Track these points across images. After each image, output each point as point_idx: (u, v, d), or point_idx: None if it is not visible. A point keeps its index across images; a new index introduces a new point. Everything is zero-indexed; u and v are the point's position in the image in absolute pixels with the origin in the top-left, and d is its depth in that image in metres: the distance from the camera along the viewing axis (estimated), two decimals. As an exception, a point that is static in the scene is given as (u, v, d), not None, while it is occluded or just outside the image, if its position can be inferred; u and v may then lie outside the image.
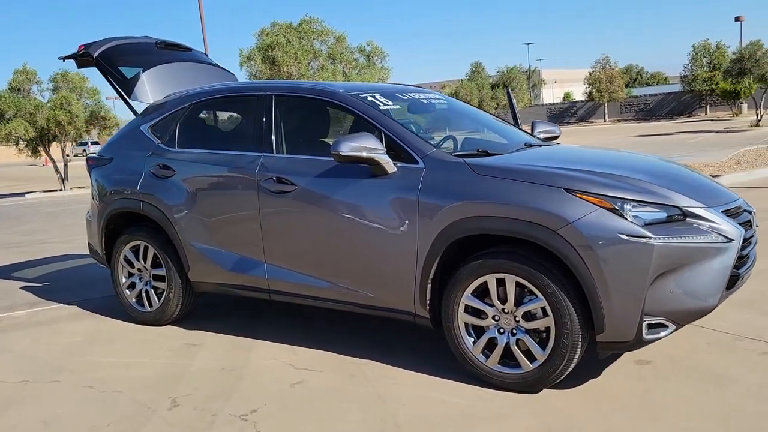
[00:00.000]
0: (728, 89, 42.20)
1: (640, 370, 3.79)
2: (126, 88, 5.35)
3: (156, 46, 5.86)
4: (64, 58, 5.79)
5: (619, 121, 52.65)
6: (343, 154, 3.78)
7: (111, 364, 4.35)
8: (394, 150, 3.91)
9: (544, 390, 3.57)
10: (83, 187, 24.47)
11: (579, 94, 64.70)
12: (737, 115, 44.40)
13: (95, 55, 5.40)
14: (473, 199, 3.59)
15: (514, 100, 5.89)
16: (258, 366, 4.18)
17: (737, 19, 52.04)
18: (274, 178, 4.28)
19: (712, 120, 43.74)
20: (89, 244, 5.64)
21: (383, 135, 4.00)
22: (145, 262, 5.09)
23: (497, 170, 3.63)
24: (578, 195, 3.35)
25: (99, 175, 5.35)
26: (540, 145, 4.56)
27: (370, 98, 4.29)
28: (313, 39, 18.72)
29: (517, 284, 3.52)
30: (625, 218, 3.28)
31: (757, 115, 35.19)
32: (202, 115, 5.12)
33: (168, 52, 5.91)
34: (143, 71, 5.38)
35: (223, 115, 5.06)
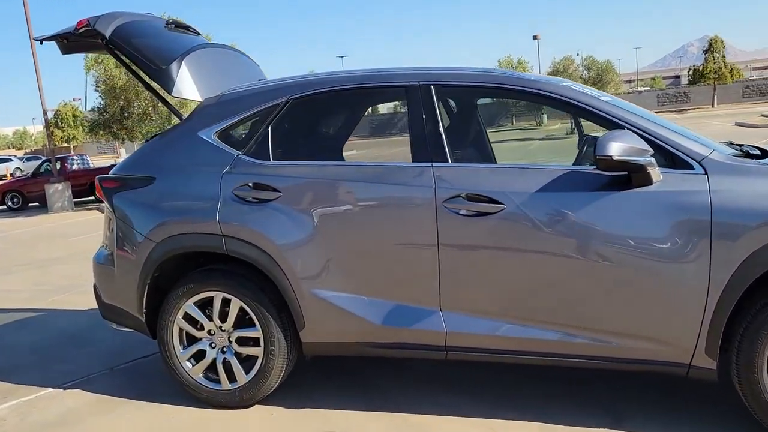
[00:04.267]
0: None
1: None
2: (162, 79, 3.82)
3: (166, 26, 4.35)
4: (43, 40, 4.09)
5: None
6: (615, 158, 2.82)
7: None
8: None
9: None
10: None
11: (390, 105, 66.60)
12: (540, 124, 48.04)
13: (108, 34, 3.82)
14: None
15: None
16: (470, 456, 3.02)
17: (535, 37, 56.42)
18: (464, 196, 3.16)
19: (521, 129, 46.83)
20: (104, 303, 3.98)
21: None
22: (222, 321, 3.64)
23: None
24: None
25: (132, 202, 3.77)
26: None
27: (577, 88, 3.33)
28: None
29: None
30: None
31: (571, 124, 38.26)
32: (307, 115, 3.78)
33: (184, 35, 4.43)
34: (183, 58, 3.89)
35: (342, 114, 3.76)
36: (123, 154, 48.76)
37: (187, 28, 4.57)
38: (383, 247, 3.33)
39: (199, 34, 4.77)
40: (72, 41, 4.01)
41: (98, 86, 16.97)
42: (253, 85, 3.82)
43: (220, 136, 3.69)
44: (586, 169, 3.06)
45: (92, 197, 19.28)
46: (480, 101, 4.37)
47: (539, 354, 3.21)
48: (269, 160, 3.57)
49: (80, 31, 3.86)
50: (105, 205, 3.96)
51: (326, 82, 3.61)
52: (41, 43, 4.14)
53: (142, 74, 4.18)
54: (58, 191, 17.45)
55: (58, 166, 18.92)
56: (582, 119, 3.39)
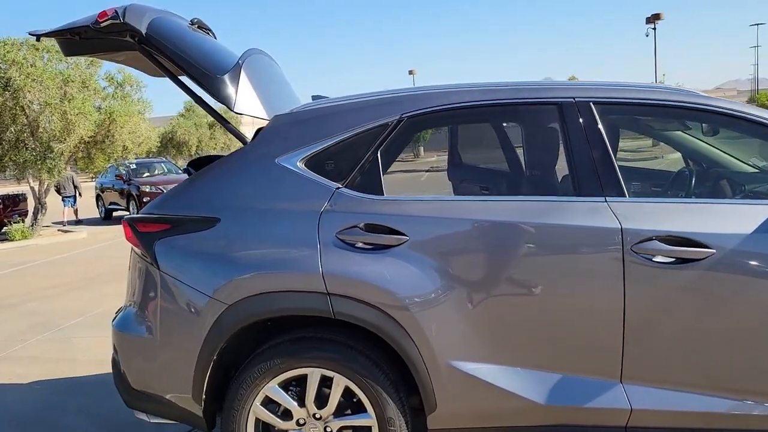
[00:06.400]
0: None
1: None
2: (221, 92, 2.90)
3: (190, 25, 3.44)
4: (41, 36, 3.05)
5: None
6: None
7: None
8: None
9: None
10: None
11: None
12: (417, 156, 49.31)
13: (144, 30, 2.89)
14: None
15: None
16: None
17: (410, 72, 58.18)
18: (661, 238, 2.55)
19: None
20: (132, 389, 2.96)
21: None
22: (319, 406, 2.76)
23: None
24: None
25: (187, 250, 2.82)
26: None
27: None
28: (59, 60, 14.96)
29: None
30: None
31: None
32: (426, 137, 3.02)
33: (208, 38, 3.54)
34: (241, 65, 3.01)
35: (472, 135, 3.02)
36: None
37: (208, 29, 3.67)
38: (548, 305, 2.64)
39: (215, 38, 3.87)
40: (87, 38, 3.01)
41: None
42: (345, 99, 3.02)
43: (309, 165, 2.85)
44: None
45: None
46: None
47: None
48: (382, 194, 2.78)
49: (103, 24, 2.88)
50: (137, 253, 2.98)
51: (450, 95, 2.88)
52: (38, 40, 3.10)
53: (179, 81, 3.22)
54: None
55: None
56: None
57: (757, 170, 3.30)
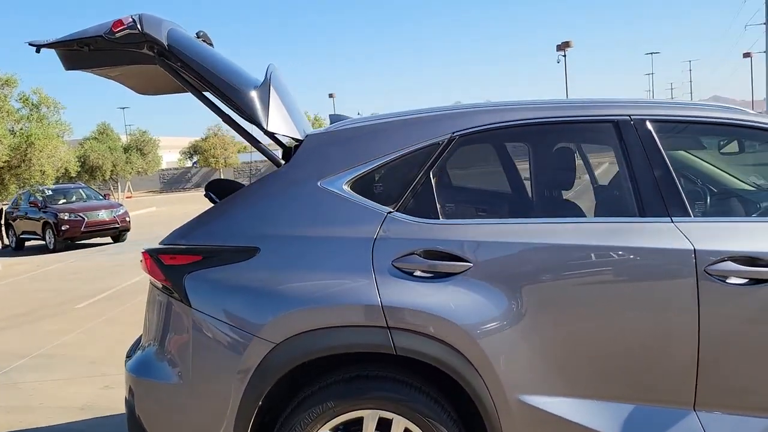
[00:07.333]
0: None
1: None
2: (251, 109, 2.63)
3: (196, 38, 3.17)
4: (43, 46, 2.70)
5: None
6: None
7: None
8: None
9: None
10: None
11: (174, 160, 64.34)
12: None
13: (166, 41, 2.61)
14: None
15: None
16: None
17: (330, 95, 58.41)
18: (735, 259, 2.48)
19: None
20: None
21: None
22: (377, 452, 2.52)
23: None
24: None
25: (224, 285, 2.52)
26: None
27: None
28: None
29: None
30: None
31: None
32: (480, 156, 2.84)
33: (219, 52, 3.27)
34: (270, 81, 2.76)
35: (526, 155, 2.86)
36: None
37: (211, 43, 3.39)
38: (619, 333, 2.52)
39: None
40: (97, 49, 2.68)
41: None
42: (388, 117, 2.82)
43: (355, 187, 2.63)
44: None
45: None
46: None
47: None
48: (437, 217, 2.59)
49: (118, 35, 2.58)
50: (157, 287, 2.66)
51: (504, 112, 2.73)
52: (37, 51, 2.74)
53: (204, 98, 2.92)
54: None
55: None
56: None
57: (754, 188, 3.34)
